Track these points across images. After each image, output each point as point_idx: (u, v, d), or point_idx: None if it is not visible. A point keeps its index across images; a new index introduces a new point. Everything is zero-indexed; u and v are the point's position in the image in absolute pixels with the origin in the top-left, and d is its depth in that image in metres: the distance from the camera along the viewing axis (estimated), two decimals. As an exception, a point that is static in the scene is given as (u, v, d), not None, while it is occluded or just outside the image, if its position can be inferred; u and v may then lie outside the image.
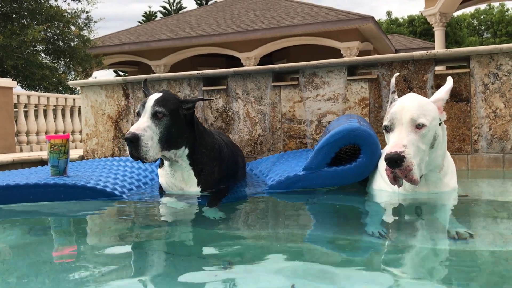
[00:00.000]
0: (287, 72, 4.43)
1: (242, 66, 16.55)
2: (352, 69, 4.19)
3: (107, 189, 3.12)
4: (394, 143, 2.34)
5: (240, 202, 2.93)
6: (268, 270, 1.54)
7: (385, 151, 2.40)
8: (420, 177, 2.42)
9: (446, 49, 3.88)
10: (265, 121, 4.35)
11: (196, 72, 4.53)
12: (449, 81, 2.71)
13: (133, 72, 20.04)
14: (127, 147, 2.79)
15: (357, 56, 15.44)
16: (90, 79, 5.04)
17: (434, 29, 14.92)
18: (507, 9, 36.33)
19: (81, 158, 4.90)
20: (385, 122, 2.49)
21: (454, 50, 3.88)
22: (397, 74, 2.70)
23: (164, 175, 3.18)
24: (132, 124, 4.78)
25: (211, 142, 3.19)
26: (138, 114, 2.93)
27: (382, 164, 2.87)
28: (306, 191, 3.00)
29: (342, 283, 1.39)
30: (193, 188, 3.08)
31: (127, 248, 1.95)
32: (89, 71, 14.95)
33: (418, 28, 32.22)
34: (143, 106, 2.90)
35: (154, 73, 17.31)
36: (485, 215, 2.37)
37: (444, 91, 2.63)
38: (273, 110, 4.33)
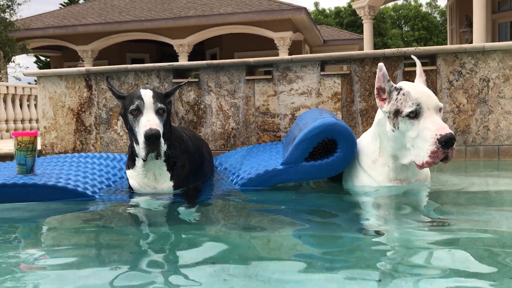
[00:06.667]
0: (260, 66, 4.46)
1: (175, 53, 16.26)
2: (324, 65, 4.29)
3: (79, 189, 2.94)
4: (438, 125, 2.43)
5: (218, 200, 2.91)
6: (262, 273, 1.53)
7: (433, 135, 2.42)
8: None
9: (415, 47, 4.11)
10: (238, 115, 4.36)
11: (167, 64, 4.42)
12: (422, 73, 2.86)
13: (56, 57, 19.00)
14: (143, 145, 2.70)
15: (289, 46, 15.71)
16: (49, 70, 4.74)
17: (363, 22, 15.55)
18: (421, 4, 38.56)
19: (39, 152, 4.62)
20: (410, 109, 2.49)
21: (423, 48, 4.12)
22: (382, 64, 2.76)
23: (135, 176, 3.06)
24: (96, 117, 4.59)
25: (180, 135, 3.19)
26: (136, 111, 2.82)
27: (365, 160, 2.94)
28: (283, 188, 3.02)
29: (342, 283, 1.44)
30: (166, 184, 3.02)
31: (108, 254, 1.92)
32: (11, 56, 13.98)
33: (345, 20, 33.23)
34: (142, 101, 2.79)
35: (81, 58, 16.52)
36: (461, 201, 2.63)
37: (423, 81, 2.78)
38: (247, 103, 4.35)
